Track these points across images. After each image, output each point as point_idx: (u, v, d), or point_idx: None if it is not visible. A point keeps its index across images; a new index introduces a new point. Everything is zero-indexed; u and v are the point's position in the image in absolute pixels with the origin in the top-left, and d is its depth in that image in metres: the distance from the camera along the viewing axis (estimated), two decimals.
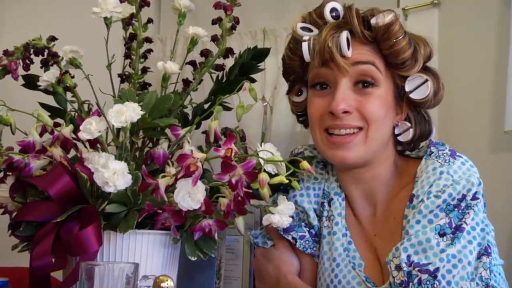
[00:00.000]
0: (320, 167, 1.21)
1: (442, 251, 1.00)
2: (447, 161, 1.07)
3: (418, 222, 1.03)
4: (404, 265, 0.99)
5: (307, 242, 1.16)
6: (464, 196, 1.03)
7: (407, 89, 1.11)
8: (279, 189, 1.17)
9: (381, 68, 1.09)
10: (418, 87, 1.11)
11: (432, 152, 1.10)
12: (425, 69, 1.13)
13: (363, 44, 1.10)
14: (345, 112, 1.07)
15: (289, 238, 1.15)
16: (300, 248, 1.15)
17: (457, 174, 1.05)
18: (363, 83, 1.09)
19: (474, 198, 1.03)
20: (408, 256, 1.00)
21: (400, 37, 1.08)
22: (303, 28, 1.14)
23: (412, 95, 1.11)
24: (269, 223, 1.06)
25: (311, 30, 1.13)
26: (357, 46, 1.09)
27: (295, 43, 1.15)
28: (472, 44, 1.53)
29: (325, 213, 1.17)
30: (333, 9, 1.12)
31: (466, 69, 1.53)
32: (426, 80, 1.11)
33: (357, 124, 1.08)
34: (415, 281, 0.98)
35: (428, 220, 1.02)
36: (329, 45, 1.07)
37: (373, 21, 1.08)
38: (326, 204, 1.17)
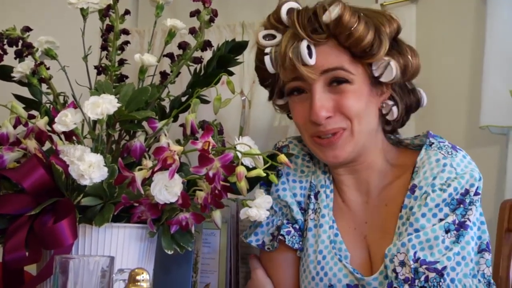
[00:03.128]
0: (306, 159, 1.20)
1: (448, 249, 1.01)
2: (450, 153, 1.07)
3: (423, 215, 1.03)
4: (411, 262, 1.00)
5: (293, 237, 1.16)
6: (467, 191, 1.04)
7: (375, 74, 1.08)
8: (259, 183, 1.17)
9: (350, 67, 1.07)
10: (384, 71, 1.08)
11: (433, 143, 1.10)
12: (390, 47, 1.08)
13: (324, 44, 1.06)
14: (327, 118, 1.07)
15: (280, 237, 1.15)
16: (289, 244, 1.15)
17: (460, 167, 1.05)
18: (337, 82, 1.07)
19: (476, 193, 1.05)
20: (415, 253, 1.01)
21: (355, 26, 1.04)
22: (265, 37, 1.11)
23: (382, 79, 1.09)
24: (246, 217, 1.06)
25: (274, 37, 1.11)
26: (320, 48, 1.06)
27: (260, 53, 1.13)
28: (449, 40, 1.55)
29: (311, 206, 1.16)
30: (290, 11, 1.09)
31: (442, 64, 1.54)
32: (388, 63, 1.07)
33: (340, 126, 1.08)
34: (422, 278, 0.99)
35: (433, 214, 1.03)
36: (290, 57, 1.05)
37: (322, 20, 1.05)
38: (312, 197, 1.17)
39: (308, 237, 1.14)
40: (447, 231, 1.02)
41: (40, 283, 1.00)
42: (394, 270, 1.02)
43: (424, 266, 1.00)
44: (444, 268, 0.99)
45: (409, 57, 1.10)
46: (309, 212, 1.16)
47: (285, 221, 1.17)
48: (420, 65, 1.12)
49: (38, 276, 1.00)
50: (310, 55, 1.05)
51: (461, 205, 1.04)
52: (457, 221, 1.03)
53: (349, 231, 1.13)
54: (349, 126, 1.08)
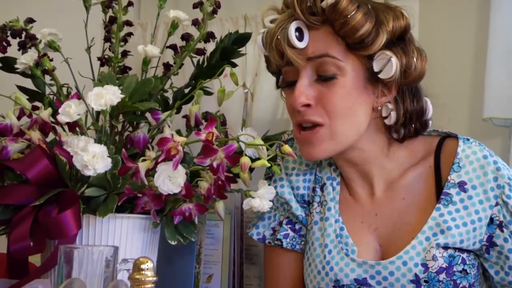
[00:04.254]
0: None
1: None
2: (489, 151, 1.07)
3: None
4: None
5: (293, 239, 1.16)
6: None
7: (375, 69, 1.03)
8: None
9: (339, 55, 1.02)
10: (384, 67, 1.03)
11: (469, 139, 1.08)
12: (394, 44, 1.04)
13: (317, 30, 1.03)
14: (305, 105, 1.03)
15: (277, 242, 1.16)
16: (288, 247, 1.15)
17: (506, 165, 1.06)
18: (326, 76, 1.03)
19: None
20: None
21: (352, 14, 1.00)
22: (272, 21, 1.08)
23: (380, 76, 1.03)
24: (249, 207, 1.06)
25: None
26: (312, 33, 1.03)
27: None
28: (452, 33, 1.54)
29: (317, 199, 1.15)
30: None
31: (446, 57, 1.54)
32: (390, 59, 1.02)
33: (316, 120, 1.04)
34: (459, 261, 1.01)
35: None
36: (278, 37, 1.02)
37: (319, 4, 1.01)
38: (318, 189, 1.15)
39: (314, 230, 1.13)
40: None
41: (45, 272, 1.01)
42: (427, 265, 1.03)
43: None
44: None
45: (414, 58, 1.05)
46: (315, 204, 1.15)
47: (285, 220, 1.17)
48: (425, 70, 1.07)
49: (43, 265, 1.00)
50: (300, 38, 1.02)
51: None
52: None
53: (356, 224, 1.11)
54: (328, 124, 1.03)
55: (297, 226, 1.17)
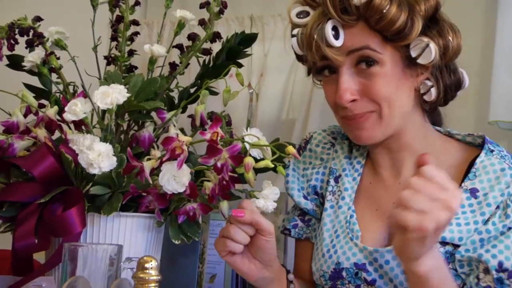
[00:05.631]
0: (327, 147, 1.20)
1: None
2: (510, 163, 1.05)
3: (504, 226, 1.01)
4: (494, 272, 0.98)
5: (301, 229, 1.18)
6: None
7: (413, 55, 1.03)
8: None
9: (377, 47, 1.02)
10: (422, 52, 1.02)
11: (493, 150, 1.07)
12: (429, 27, 1.03)
13: (352, 27, 1.02)
14: (352, 101, 1.04)
15: (286, 232, 1.18)
16: (296, 236, 1.18)
17: None
18: (366, 62, 1.03)
19: None
20: (500, 263, 0.98)
21: (386, 8, 0.99)
22: (299, 14, 1.06)
23: (419, 61, 1.03)
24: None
25: (308, 14, 1.06)
26: (347, 30, 1.03)
27: (293, 30, 1.09)
28: None
29: (330, 188, 1.16)
30: None
31: None
32: (427, 44, 1.01)
33: (367, 110, 1.04)
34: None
35: (509, 225, 1.01)
36: (315, 38, 1.01)
37: (352, 2, 1.01)
38: (331, 181, 1.16)
39: (323, 216, 1.14)
40: None
41: (49, 270, 1.01)
42: (477, 277, 1.00)
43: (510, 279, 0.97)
44: None
45: (450, 38, 1.03)
46: (327, 194, 1.16)
47: (297, 212, 1.20)
48: (461, 45, 1.06)
49: (47, 263, 1.01)
50: (336, 36, 1.02)
51: None
52: None
53: (368, 213, 1.11)
54: (378, 109, 1.04)
55: (306, 217, 1.19)
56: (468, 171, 1.07)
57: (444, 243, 1.02)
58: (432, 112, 1.14)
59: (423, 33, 1.02)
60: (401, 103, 1.05)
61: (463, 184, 1.06)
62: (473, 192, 1.04)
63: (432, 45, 1.02)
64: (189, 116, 1.17)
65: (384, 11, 0.99)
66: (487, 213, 1.02)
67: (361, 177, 1.16)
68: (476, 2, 1.52)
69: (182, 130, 1.14)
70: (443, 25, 1.05)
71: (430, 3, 1.03)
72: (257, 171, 1.02)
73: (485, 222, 1.02)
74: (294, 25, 1.07)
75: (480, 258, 0.99)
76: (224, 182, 1.01)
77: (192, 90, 1.20)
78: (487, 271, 0.99)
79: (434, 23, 1.04)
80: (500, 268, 0.98)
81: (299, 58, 1.13)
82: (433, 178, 0.86)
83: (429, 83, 1.07)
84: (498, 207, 1.02)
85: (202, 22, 1.19)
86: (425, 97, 1.07)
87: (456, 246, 1.02)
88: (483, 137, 1.11)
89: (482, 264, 0.99)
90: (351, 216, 1.11)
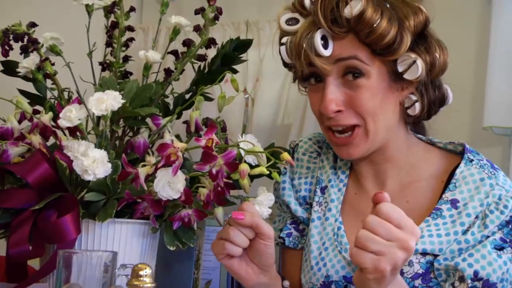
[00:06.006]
0: (313, 156, 1.20)
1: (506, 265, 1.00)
2: (492, 173, 1.06)
3: (482, 236, 1.01)
4: (469, 281, 0.98)
5: (296, 238, 1.17)
6: None
7: (400, 70, 1.03)
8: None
9: (366, 59, 1.02)
10: (409, 68, 1.03)
11: (472, 160, 1.08)
12: (417, 43, 1.04)
13: (342, 38, 1.03)
14: (337, 111, 1.04)
15: (280, 240, 1.17)
16: (290, 246, 1.16)
17: (505, 188, 1.04)
18: (352, 74, 1.03)
19: None
20: (476, 272, 0.98)
21: (377, 23, 0.99)
22: (288, 21, 1.07)
23: (405, 76, 1.03)
24: None
25: (297, 21, 1.06)
26: (336, 40, 1.03)
27: (280, 38, 1.10)
28: (453, 40, 1.54)
29: (316, 199, 1.16)
30: None
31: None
32: (415, 61, 1.02)
33: (351, 122, 1.05)
34: None
35: (487, 235, 1.02)
36: (304, 47, 1.01)
37: (343, 14, 1.01)
38: (318, 191, 1.16)
39: (310, 228, 1.14)
40: (499, 248, 1.01)
41: (43, 276, 1.01)
42: (452, 284, 1.00)
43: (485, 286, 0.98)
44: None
45: (437, 55, 1.04)
46: (314, 204, 1.16)
47: (290, 220, 1.18)
48: (448, 62, 1.08)
49: (41, 270, 1.00)
50: (325, 46, 1.02)
51: (509, 225, 1.02)
52: (507, 240, 1.01)
53: (355, 224, 1.11)
54: (363, 124, 1.05)
55: (300, 227, 1.18)
56: (448, 181, 1.08)
57: (424, 254, 1.02)
58: (415, 126, 1.15)
59: (411, 49, 1.03)
60: (385, 116, 1.06)
61: (444, 196, 1.07)
62: (454, 203, 1.05)
63: (419, 62, 1.02)
64: (184, 122, 1.17)
65: (375, 25, 0.99)
66: (467, 223, 1.03)
67: (346, 187, 1.16)
68: (470, 8, 1.53)
69: (177, 136, 1.14)
70: (431, 42, 1.06)
71: (420, 18, 1.03)
72: (252, 177, 1.02)
73: (464, 232, 1.03)
74: (283, 32, 1.08)
75: (457, 266, 1.00)
76: (219, 188, 1.01)
77: (187, 96, 1.20)
78: (462, 279, 0.99)
79: (422, 39, 1.05)
80: (476, 277, 0.98)
81: (286, 65, 1.13)
82: (390, 216, 0.86)
83: (414, 98, 1.07)
84: (477, 217, 1.03)
85: (197, 28, 1.19)
86: (409, 111, 1.08)
87: (437, 256, 1.03)
88: (463, 145, 1.12)
89: (458, 272, 1.00)
90: (339, 228, 1.12)
